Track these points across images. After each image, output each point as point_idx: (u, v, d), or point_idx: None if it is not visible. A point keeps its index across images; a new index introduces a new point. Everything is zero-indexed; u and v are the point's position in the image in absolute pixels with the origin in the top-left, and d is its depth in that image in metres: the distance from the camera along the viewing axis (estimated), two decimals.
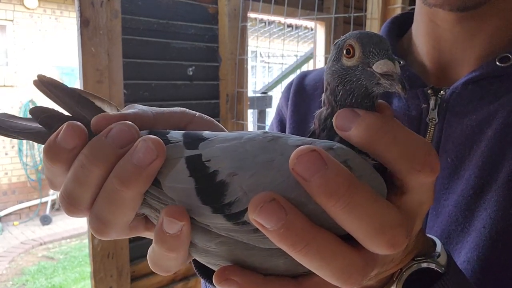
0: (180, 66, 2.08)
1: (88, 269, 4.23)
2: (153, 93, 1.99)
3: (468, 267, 0.45)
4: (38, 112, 0.36)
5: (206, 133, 0.33)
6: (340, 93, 0.32)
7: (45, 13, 5.97)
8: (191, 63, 2.11)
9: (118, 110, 0.36)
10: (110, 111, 0.36)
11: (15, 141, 5.83)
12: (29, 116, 0.37)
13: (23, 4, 5.74)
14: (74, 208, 0.32)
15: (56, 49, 6.03)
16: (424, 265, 0.36)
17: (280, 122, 0.71)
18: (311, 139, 0.31)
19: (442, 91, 0.52)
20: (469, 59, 0.53)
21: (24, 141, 5.85)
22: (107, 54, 1.76)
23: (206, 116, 0.39)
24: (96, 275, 1.80)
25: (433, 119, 0.52)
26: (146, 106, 0.36)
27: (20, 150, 5.83)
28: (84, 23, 1.68)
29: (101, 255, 1.80)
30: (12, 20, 5.75)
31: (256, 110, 2.85)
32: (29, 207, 5.94)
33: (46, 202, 5.89)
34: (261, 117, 2.88)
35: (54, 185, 0.34)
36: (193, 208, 0.30)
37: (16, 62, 5.82)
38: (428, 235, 0.39)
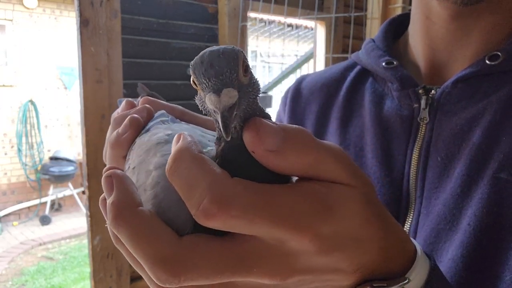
0: (179, 65, 2.08)
1: (87, 269, 4.22)
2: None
3: (452, 265, 0.45)
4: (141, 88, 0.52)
5: (157, 126, 0.40)
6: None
7: (45, 13, 5.96)
8: (191, 63, 2.11)
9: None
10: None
11: (15, 141, 5.83)
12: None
13: (22, 4, 5.74)
14: None
15: (55, 49, 6.03)
16: None
17: None
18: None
19: (433, 91, 0.52)
20: (463, 58, 0.53)
21: (24, 141, 5.84)
22: (107, 53, 1.76)
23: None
24: (95, 276, 1.80)
25: (424, 119, 0.52)
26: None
27: (19, 150, 5.82)
28: (84, 23, 1.68)
29: (101, 256, 1.80)
30: (11, 20, 5.74)
31: None
32: (29, 207, 5.94)
33: (45, 203, 5.89)
34: None
35: None
36: None
37: (15, 62, 5.82)
38: (413, 241, 0.35)
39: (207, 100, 0.26)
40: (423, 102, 0.52)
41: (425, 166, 0.50)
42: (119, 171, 0.30)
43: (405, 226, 0.50)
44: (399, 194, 0.51)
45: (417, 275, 0.33)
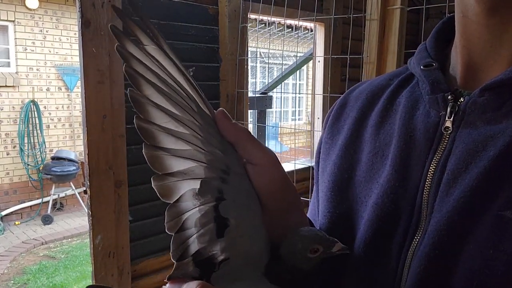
0: None
1: (89, 268, 4.24)
2: None
3: None
4: None
5: None
6: None
7: (46, 14, 5.98)
8: (191, 64, 2.13)
9: None
10: None
11: (17, 141, 5.85)
12: None
13: (24, 5, 5.76)
14: None
15: (57, 50, 6.06)
16: None
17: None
18: None
19: (462, 98, 0.46)
20: (502, 60, 0.46)
21: (26, 141, 5.87)
22: (108, 54, 1.77)
23: None
24: (97, 274, 1.81)
25: (447, 129, 0.46)
26: None
27: (21, 150, 5.85)
28: (85, 24, 1.70)
29: (102, 254, 1.81)
30: (13, 21, 5.77)
31: (256, 111, 2.86)
32: (31, 206, 5.97)
33: (47, 202, 5.91)
34: (261, 117, 2.89)
35: None
36: None
37: (17, 62, 5.84)
38: None
39: None
40: (448, 109, 0.46)
41: (439, 182, 0.44)
42: None
43: (412, 245, 0.44)
44: (411, 208, 0.46)
45: None
